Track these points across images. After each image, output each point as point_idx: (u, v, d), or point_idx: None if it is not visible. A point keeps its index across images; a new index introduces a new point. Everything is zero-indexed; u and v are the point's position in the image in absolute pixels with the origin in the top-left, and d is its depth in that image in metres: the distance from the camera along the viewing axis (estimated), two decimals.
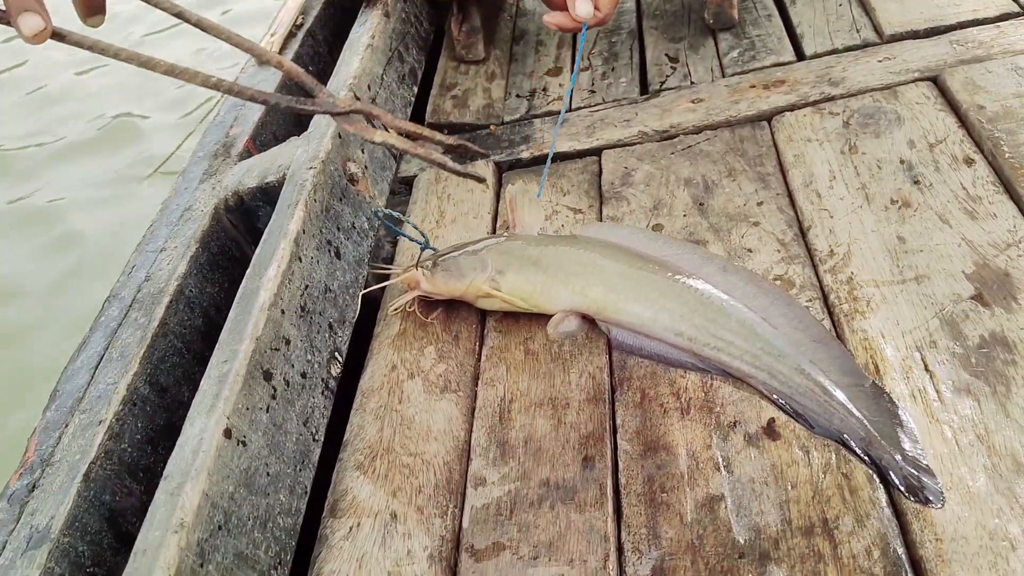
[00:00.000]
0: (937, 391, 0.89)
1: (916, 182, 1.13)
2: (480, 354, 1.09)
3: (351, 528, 0.91)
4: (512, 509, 0.90)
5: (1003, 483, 0.80)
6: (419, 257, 1.10)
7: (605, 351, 1.05)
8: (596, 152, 1.38)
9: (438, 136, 1.07)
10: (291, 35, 1.52)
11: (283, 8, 1.62)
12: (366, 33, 1.37)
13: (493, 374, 1.06)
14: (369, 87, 1.30)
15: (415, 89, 1.49)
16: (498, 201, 1.35)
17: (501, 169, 1.42)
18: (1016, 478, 0.80)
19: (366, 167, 1.20)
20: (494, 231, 1.28)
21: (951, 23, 1.40)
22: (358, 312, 1.09)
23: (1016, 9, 1.39)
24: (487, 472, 0.95)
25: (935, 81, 1.29)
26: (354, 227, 1.12)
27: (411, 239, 1.12)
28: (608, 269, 1.06)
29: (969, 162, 1.13)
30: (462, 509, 0.92)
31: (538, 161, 1.40)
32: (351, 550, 0.89)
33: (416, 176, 1.42)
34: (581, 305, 1.06)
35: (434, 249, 1.15)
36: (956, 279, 0.99)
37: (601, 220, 1.25)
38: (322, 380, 0.97)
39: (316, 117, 1.23)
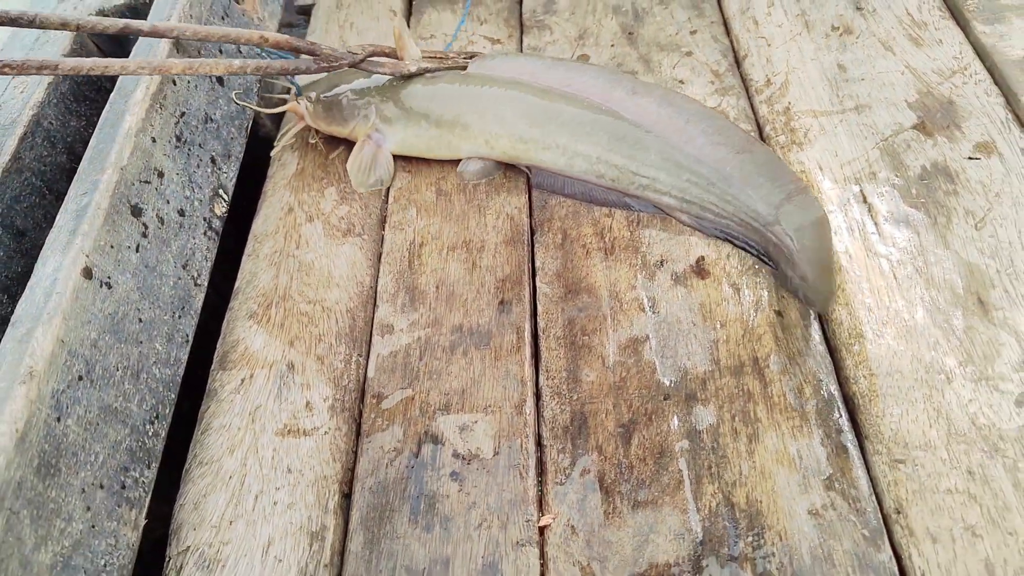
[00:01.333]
0: (875, 224, 0.83)
1: (859, 8, 1.04)
2: (387, 195, 0.99)
3: (243, 380, 0.82)
4: (422, 356, 0.83)
5: (940, 316, 0.75)
6: (293, 93, 0.98)
7: (524, 191, 0.96)
8: None
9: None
10: None
11: None
12: None
13: (401, 217, 0.96)
14: None
15: None
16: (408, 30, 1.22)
17: None
18: (954, 310, 0.75)
19: None
20: None
21: None
22: (248, 127, 0.96)
23: None
24: (395, 319, 0.86)
25: None
26: (240, 52, 0.98)
27: (288, 80, 0.99)
28: (510, 116, 0.94)
29: None
30: (367, 358, 0.84)
31: None
32: (243, 403, 0.80)
33: (314, 4, 1.27)
34: (489, 156, 0.96)
35: (301, 94, 1.00)
36: (898, 108, 0.92)
37: (522, 51, 1.13)
38: (204, 219, 0.85)
39: None
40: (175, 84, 0.86)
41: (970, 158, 0.86)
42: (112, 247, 0.73)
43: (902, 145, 0.88)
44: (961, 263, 0.78)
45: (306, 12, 1.28)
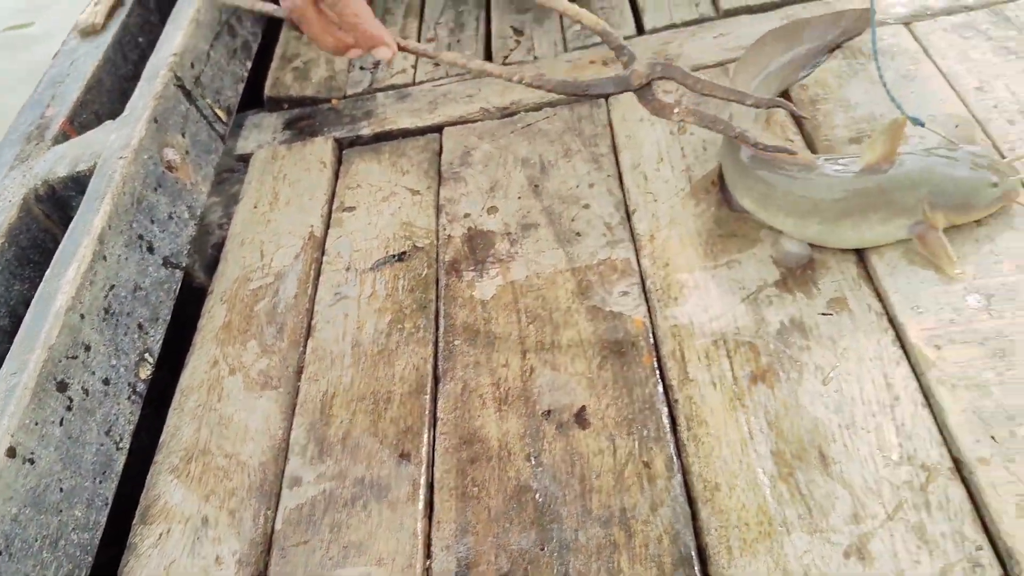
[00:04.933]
0: (734, 378, 0.92)
1: None
2: (305, 347, 1.08)
3: (160, 535, 0.89)
4: (326, 509, 0.90)
5: (786, 469, 0.84)
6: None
7: (432, 340, 1.05)
8: (438, 129, 1.36)
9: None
10: (118, 3, 1.43)
11: None
12: (191, 6, 1.30)
13: (317, 368, 1.04)
14: (193, 64, 1.24)
15: (248, 64, 1.43)
16: (336, 180, 1.32)
17: (341, 146, 1.38)
18: (799, 464, 0.84)
19: (187, 152, 1.15)
20: (330, 212, 1.25)
21: None
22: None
23: None
24: (303, 471, 0.94)
25: None
26: (171, 217, 1.08)
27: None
28: None
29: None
30: (276, 511, 0.91)
31: (380, 138, 1.37)
32: (159, 558, 0.88)
33: (252, 154, 1.38)
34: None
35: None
36: (764, 263, 1.02)
37: (439, 199, 1.23)
38: (128, 385, 0.94)
39: (133, 98, 1.17)
40: (106, 260, 0.96)
41: (823, 314, 0.95)
42: (36, 424, 0.81)
43: (764, 301, 0.98)
44: (808, 417, 0.87)
45: (244, 160, 1.39)
